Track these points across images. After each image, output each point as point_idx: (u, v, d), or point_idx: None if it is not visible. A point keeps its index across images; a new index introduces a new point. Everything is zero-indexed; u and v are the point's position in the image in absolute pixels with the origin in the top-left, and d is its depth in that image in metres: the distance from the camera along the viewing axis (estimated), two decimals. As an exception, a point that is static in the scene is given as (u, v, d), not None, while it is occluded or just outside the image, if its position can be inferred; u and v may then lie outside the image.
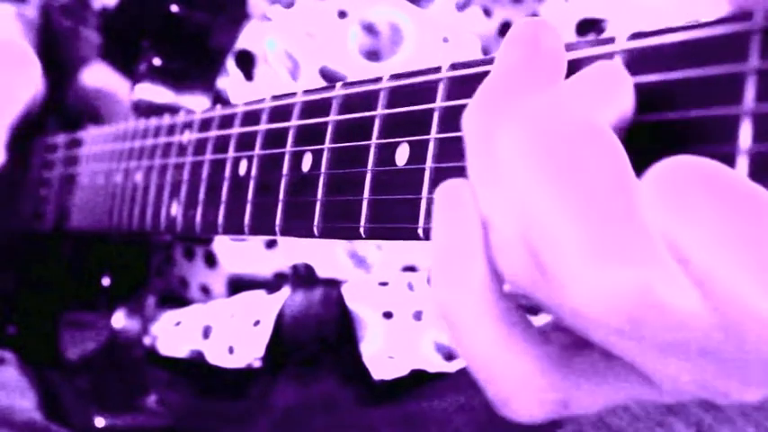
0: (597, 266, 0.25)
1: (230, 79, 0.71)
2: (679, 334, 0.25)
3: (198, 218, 0.53)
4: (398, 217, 0.37)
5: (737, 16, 0.25)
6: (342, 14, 0.68)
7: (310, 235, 0.43)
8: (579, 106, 0.27)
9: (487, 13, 0.69)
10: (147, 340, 0.74)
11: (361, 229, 0.39)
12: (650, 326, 0.25)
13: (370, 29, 0.68)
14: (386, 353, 0.67)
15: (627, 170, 0.25)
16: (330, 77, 0.68)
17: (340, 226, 0.41)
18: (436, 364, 0.67)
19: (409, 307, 0.68)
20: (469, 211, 0.29)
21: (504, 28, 0.69)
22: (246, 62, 0.70)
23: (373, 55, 0.68)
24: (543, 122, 0.26)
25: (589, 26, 0.67)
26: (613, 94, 0.28)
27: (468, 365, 0.30)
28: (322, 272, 0.70)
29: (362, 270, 0.70)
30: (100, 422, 0.68)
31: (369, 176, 0.39)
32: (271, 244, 0.70)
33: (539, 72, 0.29)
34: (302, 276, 0.70)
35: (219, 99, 0.71)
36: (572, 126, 0.26)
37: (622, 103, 0.28)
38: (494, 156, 0.28)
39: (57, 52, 0.83)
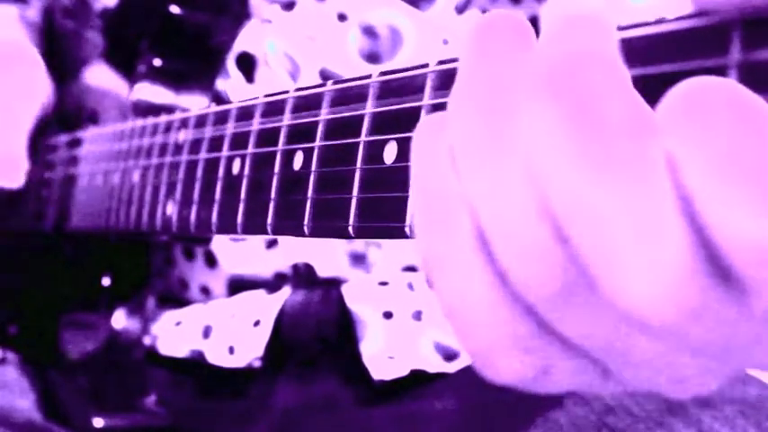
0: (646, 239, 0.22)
1: (231, 81, 0.71)
2: (730, 330, 0.24)
3: (192, 217, 0.53)
4: (386, 215, 0.37)
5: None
6: (341, 17, 0.68)
7: (300, 234, 0.42)
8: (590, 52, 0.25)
9: None
10: (147, 340, 0.74)
11: (350, 228, 0.39)
12: (709, 318, 0.23)
13: (369, 31, 0.67)
14: (386, 353, 0.67)
15: (645, 112, 0.23)
16: (330, 79, 0.68)
17: (329, 224, 0.41)
18: (436, 365, 0.66)
19: (409, 307, 0.68)
20: (439, 150, 0.27)
21: None
22: (247, 64, 0.70)
23: (373, 57, 0.68)
24: (565, 68, 0.24)
25: None
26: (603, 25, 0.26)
27: (453, 320, 0.29)
28: (322, 271, 0.69)
29: (362, 270, 0.69)
30: (99, 422, 0.68)
31: (357, 175, 0.39)
32: (271, 244, 0.70)
33: (513, 41, 0.27)
34: (302, 276, 0.70)
35: (220, 101, 0.71)
36: (586, 61, 0.24)
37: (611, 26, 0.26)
38: (505, 124, 0.26)
39: (59, 53, 0.83)
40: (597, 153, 0.23)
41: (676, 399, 0.30)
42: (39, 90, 0.79)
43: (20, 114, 0.77)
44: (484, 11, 0.68)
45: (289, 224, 0.44)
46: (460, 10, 0.68)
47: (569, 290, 0.25)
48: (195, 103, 0.69)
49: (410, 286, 0.69)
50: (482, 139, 0.26)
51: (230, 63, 0.71)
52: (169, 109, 0.62)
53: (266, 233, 0.45)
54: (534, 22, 0.73)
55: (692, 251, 0.23)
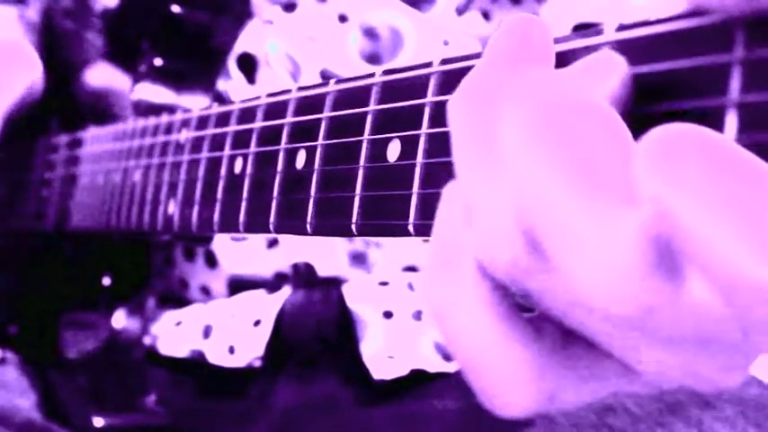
0: (607, 247, 0.24)
1: (232, 82, 0.71)
2: (690, 323, 0.25)
3: (194, 216, 0.53)
4: (389, 213, 0.37)
5: (723, 6, 0.25)
6: (342, 18, 0.68)
7: (303, 232, 0.43)
8: (578, 84, 0.26)
9: (487, 16, 0.69)
10: (147, 340, 0.74)
11: (353, 226, 0.39)
12: (664, 314, 0.24)
13: (370, 33, 0.68)
14: (386, 353, 0.67)
15: (630, 145, 0.24)
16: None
17: (332, 223, 0.41)
18: (436, 364, 0.67)
19: (409, 307, 0.68)
20: (455, 205, 0.29)
21: None
22: (248, 65, 0.70)
23: (374, 58, 0.68)
24: (544, 98, 0.25)
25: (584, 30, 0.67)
26: (607, 74, 0.27)
27: (457, 358, 0.30)
28: (322, 271, 0.69)
29: (363, 270, 0.69)
30: (99, 422, 0.68)
31: (360, 173, 0.39)
32: (271, 244, 0.70)
33: (531, 56, 0.29)
34: (303, 276, 0.70)
35: (221, 102, 0.71)
36: (574, 102, 0.25)
37: (615, 83, 0.27)
38: (487, 137, 0.27)
39: (59, 54, 0.83)
40: (577, 181, 0.24)
41: (705, 391, 0.31)
42: (20, 79, 0.78)
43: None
44: (484, 12, 0.69)
45: (291, 223, 0.44)
46: (461, 11, 0.68)
47: (527, 271, 0.27)
48: (196, 104, 0.69)
49: (410, 286, 0.69)
50: (468, 164, 0.28)
51: (231, 64, 0.71)
52: (170, 109, 0.62)
53: (269, 232, 0.45)
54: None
55: (641, 250, 0.24)
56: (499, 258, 0.27)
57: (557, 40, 0.30)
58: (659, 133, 0.23)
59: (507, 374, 0.29)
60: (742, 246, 0.21)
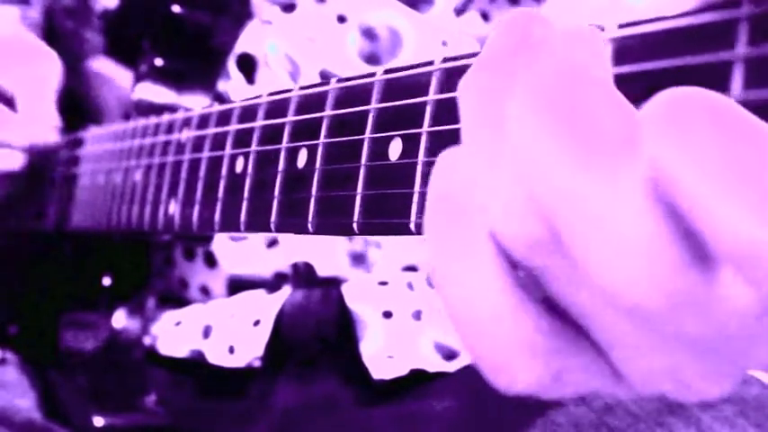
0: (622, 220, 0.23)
1: (232, 82, 0.71)
2: (717, 319, 0.24)
3: (195, 216, 0.53)
4: (391, 212, 0.37)
5: (725, 4, 0.25)
6: (341, 19, 0.68)
7: (304, 231, 0.43)
8: (580, 58, 0.26)
9: (485, 17, 0.69)
10: (147, 340, 0.74)
11: (355, 225, 0.39)
12: (693, 308, 0.24)
13: (369, 33, 0.68)
14: (385, 352, 0.67)
15: (634, 112, 0.24)
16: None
17: (333, 222, 0.41)
18: (436, 364, 0.67)
19: (409, 306, 0.68)
20: (459, 172, 0.28)
21: None
22: (248, 65, 0.71)
23: (373, 59, 0.68)
24: (555, 80, 0.25)
25: None
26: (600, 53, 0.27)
27: (463, 326, 0.28)
28: (322, 271, 0.69)
29: (363, 269, 0.69)
30: (99, 422, 0.68)
31: (362, 171, 0.39)
32: (271, 243, 0.70)
33: (535, 44, 0.28)
34: (302, 275, 0.70)
35: (221, 102, 0.71)
36: (578, 74, 0.25)
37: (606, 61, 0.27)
38: (498, 117, 0.27)
39: (60, 53, 0.83)
40: (583, 149, 0.24)
41: (684, 401, 0.30)
42: (54, 68, 0.79)
43: (44, 83, 0.77)
44: (483, 13, 0.69)
45: (293, 222, 0.44)
46: (459, 12, 0.68)
47: (547, 248, 0.26)
48: (196, 103, 0.69)
49: (410, 286, 0.69)
50: (478, 140, 0.27)
51: (231, 64, 0.71)
52: (170, 109, 0.62)
53: (270, 231, 0.45)
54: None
55: (671, 240, 0.23)
56: (514, 234, 0.26)
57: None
58: (665, 96, 0.23)
59: (516, 344, 0.28)
60: (744, 207, 0.21)
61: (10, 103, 0.75)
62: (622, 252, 0.23)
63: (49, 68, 0.78)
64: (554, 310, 0.28)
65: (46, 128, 0.75)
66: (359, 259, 0.69)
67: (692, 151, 0.22)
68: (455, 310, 0.28)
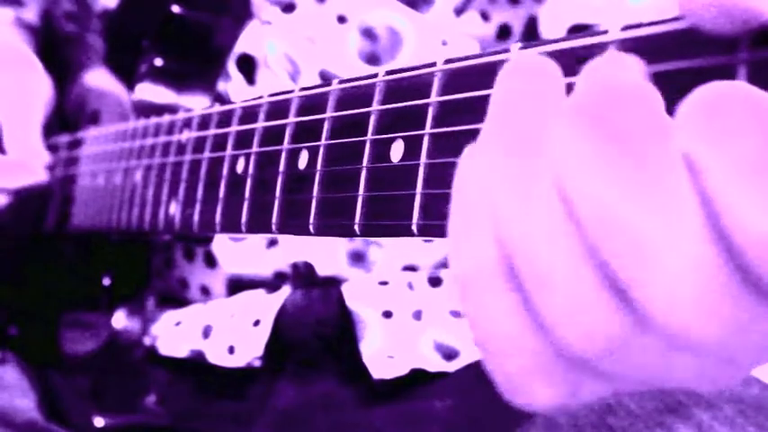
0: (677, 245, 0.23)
1: (232, 83, 0.71)
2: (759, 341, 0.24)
3: (196, 217, 0.53)
4: (393, 213, 0.37)
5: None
6: (341, 19, 0.68)
7: (306, 232, 0.43)
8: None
9: (485, 16, 0.69)
10: (147, 340, 0.74)
11: (356, 227, 0.39)
12: (747, 328, 0.23)
13: (368, 33, 0.68)
14: (385, 352, 0.67)
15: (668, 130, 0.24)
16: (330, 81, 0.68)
17: (335, 223, 0.41)
18: (436, 364, 0.67)
19: (409, 306, 0.68)
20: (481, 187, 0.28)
21: (502, 31, 0.69)
22: (248, 66, 0.70)
23: (373, 59, 0.68)
24: (594, 110, 0.25)
25: (580, 31, 0.67)
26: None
27: (483, 341, 0.28)
28: (322, 270, 0.69)
29: (363, 269, 0.69)
30: (99, 422, 0.68)
31: (364, 173, 0.39)
32: (271, 243, 0.70)
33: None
34: (302, 275, 0.70)
35: (221, 102, 0.71)
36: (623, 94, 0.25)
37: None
38: (533, 149, 0.26)
39: (59, 56, 0.83)
40: (625, 171, 0.24)
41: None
42: (41, 87, 0.79)
43: (30, 111, 0.77)
44: (482, 13, 0.69)
45: (294, 223, 0.44)
46: (459, 12, 0.68)
47: (627, 338, 0.26)
48: (197, 104, 0.69)
49: (410, 286, 0.69)
50: (511, 161, 0.27)
51: (231, 65, 0.71)
52: (170, 109, 0.62)
53: (271, 232, 0.45)
54: (533, 22, 0.73)
55: (726, 268, 0.23)
56: (589, 331, 0.26)
57: (563, 39, 0.31)
58: (704, 90, 0.23)
59: (535, 368, 0.28)
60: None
61: None
62: (680, 284, 0.23)
63: (38, 89, 0.78)
64: None
65: (35, 168, 0.75)
66: (359, 259, 0.69)
67: (727, 146, 0.22)
68: (475, 318, 0.28)
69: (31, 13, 0.87)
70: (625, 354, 0.26)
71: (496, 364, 0.28)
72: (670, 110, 0.26)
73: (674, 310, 0.23)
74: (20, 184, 0.74)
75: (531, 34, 0.68)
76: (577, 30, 0.67)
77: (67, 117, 0.82)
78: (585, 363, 0.27)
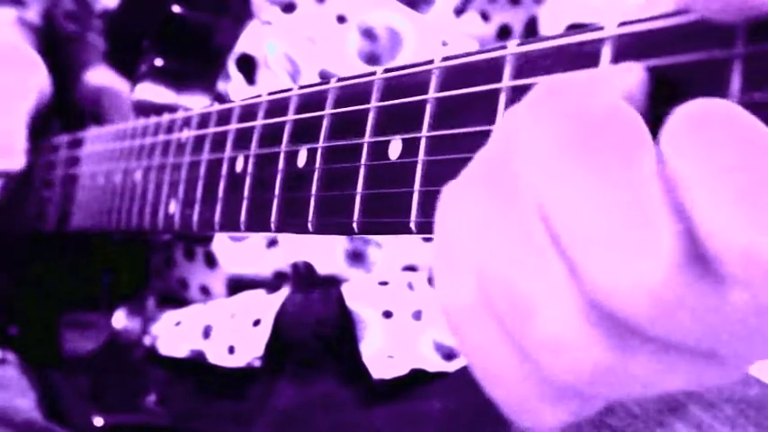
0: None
1: (232, 83, 0.71)
2: (715, 317, 0.24)
3: (195, 216, 0.53)
4: (391, 211, 0.37)
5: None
6: (341, 19, 0.68)
7: (304, 231, 0.43)
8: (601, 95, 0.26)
9: (485, 17, 0.69)
10: (147, 340, 0.74)
11: (354, 224, 0.39)
12: (691, 308, 0.24)
13: (368, 33, 0.68)
14: (385, 352, 0.67)
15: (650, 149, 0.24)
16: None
17: (333, 221, 0.41)
18: (435, 364, 0.67)
19: (409, 306, 0.68)
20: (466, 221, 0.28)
21: (502, 31, 0.69)
22: (248, 66, 0.71)
23: (373, 59, 0.68)
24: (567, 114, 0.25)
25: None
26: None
27: (481, 375, 0.28)
28: (322, 270, 0.69)
29: (363, 269, 0.69)
30: (99, 422, 0.68)
31: (362, 171, 0.39)
32: (271, 243, 0.70)
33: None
34: (302, 275, 0.70)
35: (222, 102, 0.71)
36: (596, 112, 0.25)
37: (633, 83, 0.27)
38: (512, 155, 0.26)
39: (61, 55, 0.84)
40: (604, 194, 0.24)
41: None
42: (35, 78, 0.79)
43: (16, 98, 0.77)
44: (482, 13, 0.69)
45: (293, 221, 0.44)
46: (459, 12, 0.68)
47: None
48: (197, 104, 0.69)
49: (410, 286, 0.69)
50: (489, 194, 0.27)
51: (231, 65, 0.71)
52: (171, 109, 0.62)
53: (270, 231, 0.45)
54: (533, 22, 0.73)
55: (679, 249, 0.23)
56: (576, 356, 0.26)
57: (559, 36, 0.31)
58: (689, 108, 0.23)
59: (535, 389, 0.28)
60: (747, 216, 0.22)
61: None
62: (631, 262, 0.24)
63: (28, 81, 0.78)
64: None
65: (12, 155, 0.75)
66: (359, 259, 0.69)
67: (713, 161, 0.22)
68: (469, 360, 0.29)
69: (32, 13, 0.87)
70: (614, 375, 0.26)
71: (495, 392, 0.28)
72: (666, 106, 0.26)
73: (654, 318, 0.24)
74: None
75: (531, 34, 0.69)
76: (574, 29, 0.67)
77: (70, 115, 0.82)
78: (576, 389, 0.27)
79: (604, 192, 0.24)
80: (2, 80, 0.78)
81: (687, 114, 0.23)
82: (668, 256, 0.23)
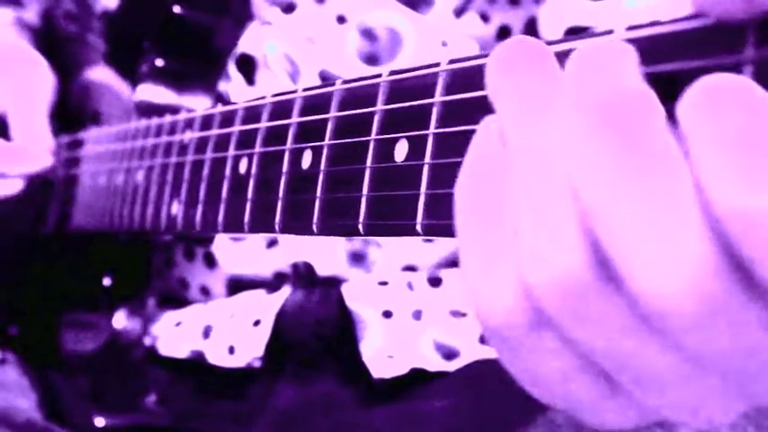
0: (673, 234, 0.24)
1: (232, 84, 0.71)
2: (750, 328, 0.24)
3: (198, 216, 0.53)
4: (397, 213, 0.37)
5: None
6: (341, 20, 0.68)
7: (309, 233, 0.43)
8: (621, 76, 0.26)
9: (485, 18, 0.69)
10: (147, 340, 0.74)
11: (360, 226, 0.39)
12: (728, 316, 0.24)
13: (368, 34, 0.68)
14: (385, 352, 0.67)
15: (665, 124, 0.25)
16: (329, 81, 0.68)
17: (339, 223, 0.41)
18: (435, 364, 0.67)
19: (409, 306, 0.68)
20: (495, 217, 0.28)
21: (502, 32, 0.69)
22: (248, 66, 0.71)
23: (372, 59, 0.68)
24: (595, 102, 0.26)
25: (576, 34, 0.67)
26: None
27: (536, 388, 0.30)
28: (322, 270, 0.70)
29: (363, 269, 0.70)
30: (100, 422, 0.68)
31: (368, 173, 0.39)
32: (271, 243, 0.71)
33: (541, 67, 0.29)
34: (302, 275, 0.70)
35: (222, 103, 0.71)
36: (626, 95, 0.25)
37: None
38: (546, 149, 0.27)
39: (61, 56, 0.83)
40: (632, 171, 0.24)
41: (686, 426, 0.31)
42: (45, 77, 0.80)
43: (35, 99, 0.78)
44: (482, 14, 0.69)
45: (297, 223, 0.44)
46: (459, 13, 0.68)
47: (590, 290, 0.26)
48: (198, 104, 0.70)
49: (410, 286, 0.69)
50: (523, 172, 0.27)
51: (231, 65, 0.71)
52: (172, 109, 0.62)
53: (274, 232, 0.46)
54: (533, 23, 0.73)
55: (714, 251, 0.24)
56: (557, 271, 0.26)
57: (567, 40, 0.31)
58: (699, 85, 0.23)
59: (583, 398, 0.29)
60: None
61: (2, 122, 0.76)
62: (668, 261, 0.24)
63: (41, 80, 0.79)
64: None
65: (41, 154, 0.76)
66: (359, 259, 0.69)
67: (724, 133, 0.22)
68: (518, 373, 0.30)
69: (31, 14, 0.87)
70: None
71: (556, 403, 0.30)
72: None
73: (662, 297, 0.24)
74: (27, 170, 0.75)
75: (530, 35, 0.68)
76: (574, 32, 0.67)
77: (69, 115, 0.82)
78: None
79: (641, 183, 0.24)
80: (17, 79, 0.78)
81: (697, 91, 0.23)
82: (701, 259, 0.24)
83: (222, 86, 0.71)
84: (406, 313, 0.68)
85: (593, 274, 0.26)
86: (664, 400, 0.28)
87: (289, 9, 0.69)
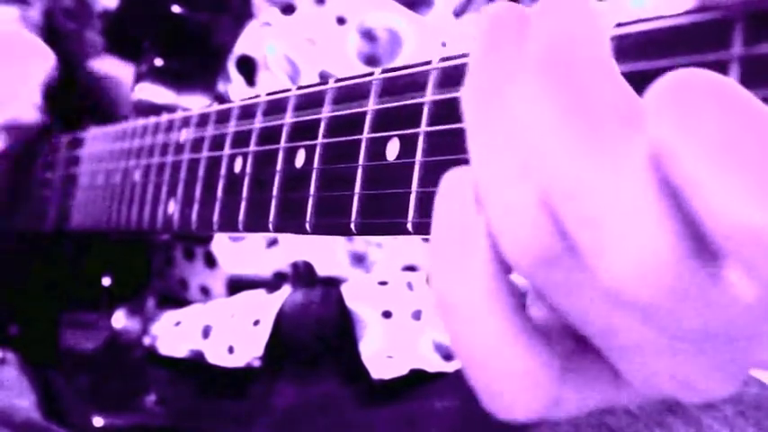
0: (642, 221, 0.23)
1: (232, 85, 0.71)
2: (720, 314, 0.23)
3: (194, 216, 0.53)
4: (388, 212, 0.37)
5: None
6: (341, 21, 0.68)
7: (302, 231, 0.43)
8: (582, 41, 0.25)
9: None
10: (146, 340, 0.74)
11: (352, 225, 0.39)
12: (695, 302, 0.23)
13: (368, 35, 0.68)
14: (385, 352, 0.67)
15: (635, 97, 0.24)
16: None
17: (331, 222, 0.41)
18: (435, 364, 0.67)
19: (409, 306, 0.68)
20: (465, 194, 0.28)
21: None
22: (248, 67, 0.71)
23: (372, 60, 0.68)
24: (554, 64, 0.25)
25: None
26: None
27: (461, 355, 0.28)
28: (322, 270, 0.69)
29: (362, 269, 0.69)
30: (99, 422, 0.68)
31: (360, 172, 0.39)
32: (271, 243, 0.70)
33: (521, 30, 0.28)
34: (302, 275, 0.70)
35: (221, 103, 0.71)
36: (582, 58, 0.24)
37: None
38: (501, 115, 0.26)
39: (61, 53, 0.84)
40: (588, 137, 0.24)
41: (688, 402, 0.30)
42: (43, 55, 0.80)
43: (30, 69, 0.78)
44: (482, 14, 0.69)
45: (291, 222, 0.44)
46: (458, 13, 0.68)
47: (556, 260, 0.26)
48: (197, 104, 0.69)
49: (410, 286, 0.69)
50: (481, 127, 0.27)
51: (231, 66, 0.71)
52: (170, 109, 0.62)
53: (268, 231, 0.45)
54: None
55: (675, 231, 0.23)
56: (521, 244, 0.26)
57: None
58: (671, 77, 0.23)
59: (515, 375, 0.27)
60: (743, 189, 0.21)
61: None
62: (626, 242, 0.23)
63: (40, 61, 0.79)
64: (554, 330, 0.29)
65: (24, 106, 0.76)
66: (359, 259, 0.69)
67: (694, 131, 0.21)
68: (452, 333, 0.28)
69: (35, 12, 0.87)
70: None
71: (478, 376, 0.28)
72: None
73: (622, 279, 0.24)
74: (6, 117, 0.75)
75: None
76: None
77: (68, 114, 0.82)
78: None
79: (594, 148, 0.23)
80: (10, 53, 0.79)
81: (670, 83, 0.22)
82: (662, 241, 0.23)
83: (222, 87, 0.71)
84: (405, 313, 0.68)
85: (561, 246, 0.25)
86: (651, 371, 0.27)
87: (288, 10, 0.69)
